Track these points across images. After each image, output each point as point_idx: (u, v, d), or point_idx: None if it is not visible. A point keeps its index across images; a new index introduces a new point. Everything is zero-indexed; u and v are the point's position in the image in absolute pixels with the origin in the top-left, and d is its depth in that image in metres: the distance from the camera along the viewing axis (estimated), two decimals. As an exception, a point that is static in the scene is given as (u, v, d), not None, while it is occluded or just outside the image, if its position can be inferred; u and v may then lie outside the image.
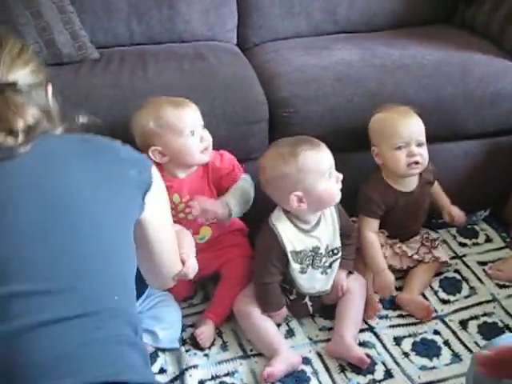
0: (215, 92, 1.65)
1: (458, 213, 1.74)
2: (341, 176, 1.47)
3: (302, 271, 1.52)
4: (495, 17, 1.91)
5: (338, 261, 1.56)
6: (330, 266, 1.55)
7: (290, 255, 1.49)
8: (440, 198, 1.76)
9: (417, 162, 1.59)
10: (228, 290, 1.59)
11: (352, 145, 1.71)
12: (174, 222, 1.54)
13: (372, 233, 1.66)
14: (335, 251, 1.55)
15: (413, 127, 1.59)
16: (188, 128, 1.49)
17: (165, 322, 1.52)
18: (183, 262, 1.17)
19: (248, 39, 2.09)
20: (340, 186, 1.47)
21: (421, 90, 1.72)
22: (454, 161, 1.83)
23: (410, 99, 1.68)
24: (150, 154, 1.49)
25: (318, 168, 1.42)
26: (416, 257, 1.70)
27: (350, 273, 1.61)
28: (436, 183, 1.74)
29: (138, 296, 1.50)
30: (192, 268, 1.19)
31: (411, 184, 1.67)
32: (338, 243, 1.55)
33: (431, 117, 1.68)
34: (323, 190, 1.44)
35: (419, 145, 1.59)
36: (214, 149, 1.58)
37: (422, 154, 1.59)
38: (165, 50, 1.92)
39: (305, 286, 1.55)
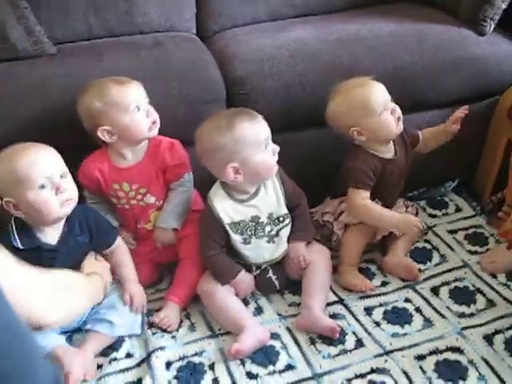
0: (171, 74, 1.65)
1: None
2: (277, 148, 1.45)
3: (245, 242, 1.51)
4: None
5: (287, 228, 1.55)
6: (277, 234, 1.53)
7: (228, 227, 1.48)
8: (433, 132, 1.73)
9: (399, 117, 1.57)
10: (188, 271, 1.57)
11: (308, 120, 1.70)
12: (129, 209, 1.56)
13: (363, 199, 1.60)
14: (281, 219, 1.53)
15: (381, 90, 1.56)
16: (133, 103, 1.48)
17: (121, 309, 1.49)
18: None
19: (207, 27, 2.07)
20: (277, 157, 1.46)
21: (377, 60, 1.72)
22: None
23: (367, 70, 1.67)
24: (99, 134, 1.49)
25: (255, 139, 1.41)
26: None
27: (309, 243, 1.58)
28: (419, 132, 1.72)
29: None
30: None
31: (392, 149, 1.64)
32: (283, 211, 1.53)
33: (390, 87, 1.65)
34: (259, 162, 1.43)
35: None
36: (168, 136, 1.58)
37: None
38: (123, 42, 1.91)
39: (251, 257, 1.53)
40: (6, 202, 1.35)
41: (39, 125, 1.57)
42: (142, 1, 1.98)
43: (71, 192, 1.39)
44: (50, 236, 1.42)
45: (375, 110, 1.54)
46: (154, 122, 1.51)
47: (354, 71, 1.67)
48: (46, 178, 1.33)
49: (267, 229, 1.52)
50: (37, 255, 1.39)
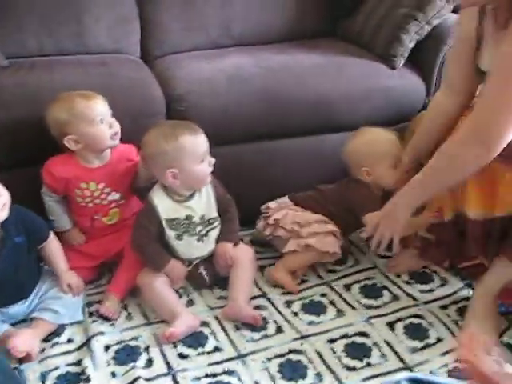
0: (116, 89, 1.81)
1: None
2: (213, 160, 1.65)
3: (178, 237, 1.68)
4: (367, 27, 2.19)
5: (215, 230, 1.72)
6: (206, 234, 1.71)
7: (164, 222, 1.66)
8: None
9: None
10: (129, 267, 1.72)
11: (241, 136, 1.92)
12: (91, 207, 1.72)
13: None
14: (211, 221, 1.71)
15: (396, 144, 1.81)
16: (98, 116, 1.64)
17: (64, 299, 1.62)
18: None
19: (151, 52, 2.27)
20: (211, 169, 1.66)
21: (301, 86, 1.95)
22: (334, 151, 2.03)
23: (292, 95, 1.91)
24: (66, 142, 1.64)
25: (195, 151, 1.60)
26: None
27: (235, 244, 1.76)
28: None
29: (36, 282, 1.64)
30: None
31: None
32: (214, 214, 1.71)
33: (311, 111, 1.93)
34: (195, 171, 1.62)
35: None
36: (121, 142, 1.74)
37: None
38: (72, 60, 2.07)
39: (183, 252, 1.70)
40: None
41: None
42: (92, 25, 2.17)
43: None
44: None
45: (391, 161, 1.79)
46: (115, 133, 1.68)
47: (281, 95, 1.91)
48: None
49: (198, 228, 1.69)
50: None
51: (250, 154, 1.98)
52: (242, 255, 1.74)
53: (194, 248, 1.71)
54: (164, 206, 1.66)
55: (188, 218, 1.67)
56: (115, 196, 1.74)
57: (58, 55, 2.14)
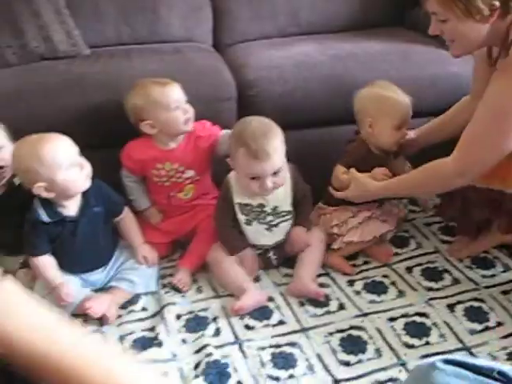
0: (190, 75, 1.92)
1: None
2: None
3: (248, 223, 1.75)
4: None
5: (286, 223, 1.78)
6: (277, 225, 1.77)
7: (236, 206, 1.74)
8: None
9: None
10: (201, 243, 1.83)
11: (307, 121, 1.98)
12: (168, 185, 1.83)
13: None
14: (283, 213, 1.77)
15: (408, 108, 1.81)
16: (173, 103, 1.74)
17: (140, 270, 1.74)
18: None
19: (221, 40, 2.37)
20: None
21: (367, 73, 1.99)
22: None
23: (358, 81, 1.95)
24: (142, 127, 1.75)
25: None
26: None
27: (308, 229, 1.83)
28: None
29: (113, 251, 1.77)
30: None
31: None
32: (287, 207, 1.76)
33: None
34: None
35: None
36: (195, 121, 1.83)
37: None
38: (148, 48, 2.20)
39: (250, 238, 1.78)
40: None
41: (77, 113, 1.84)
42: (166, 14, 2.28)
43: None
44: (71, 209, 1.65)
45: (396, 123, 1.80)
46: (189, 119, 1.76)
47: (347, 81, 1.96)
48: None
49: (269, 218, 1.76)
50: (60, 227, 1.64)
51: (314, 140, 2.03)
52: (313, 238, 1.80)
53: (261, 235, 1.78)
54: (240, 191, 1.73)
55: (260, 206, 1.74)
56: (190, 173, 1.83)
57: (135, 44, 2.27)
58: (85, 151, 1.78)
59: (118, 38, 2.27)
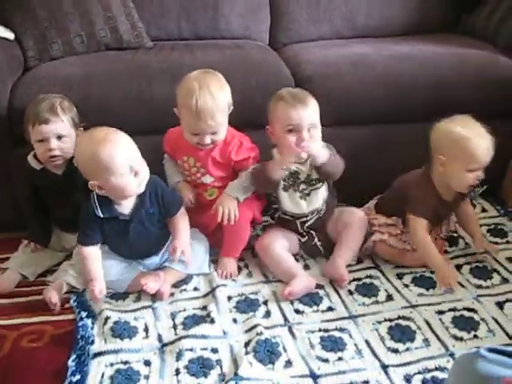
0: (250, 67, 2.00)
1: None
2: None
3: (285, 189, 1.79)
4: (491, 21, 2.23)
5: (318, 192, 1.80)
6: (309, 193, 1.80)
7: None
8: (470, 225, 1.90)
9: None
10: (233, 232, 1.82)
11: (361, 119, 2.03)
12: (190, 182, 1.85)
13: (425, 232, 1.76)
14: (315, 182, 1.79)
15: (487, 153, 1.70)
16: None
17: (194, 252, 1.77)
18: None
19: (278, 40, 2.44)
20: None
21: (422, 73, 2.03)
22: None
23: (413, 81, 1.99)
24: (176, 112, 1.76)
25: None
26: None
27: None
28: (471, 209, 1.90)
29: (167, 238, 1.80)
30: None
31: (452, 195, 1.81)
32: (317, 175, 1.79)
33: (429, 97, 2.01)
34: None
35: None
36: (245, 120, 1.87)
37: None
38: (209, 43, 2.29)
39: (287, 205, 1.80)
40: (91, 184, 1.61)
41: (141, 98, 1.92)
42: (227, 11, 2.37)
43: (145, 174, 1.63)
44: (125, 208, 1.69)
45: (472, 167, 1.70)
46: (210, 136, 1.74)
47: (401, 80, 2.00)
48: (127, 166, 1.57)
49: (302, 186, 1.79)
50: (114, 223, 1.69)
51: (366, 137, 2.06)
52: (353, 218, 1.84)
53: (296, 203, 1.81)
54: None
55: (295, 173, 1.77)
56: (208, 179, 1.83)
57: (195, 39, 2.35)
58: (147, 136, 1.87)
59: (179, 33, 2.35)
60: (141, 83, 1.92)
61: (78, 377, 1.44)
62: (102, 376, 1.45)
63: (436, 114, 2.03)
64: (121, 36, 2.16)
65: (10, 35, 2.08)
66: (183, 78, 1.74)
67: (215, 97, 1.69)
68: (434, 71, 2.03)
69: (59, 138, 1.74)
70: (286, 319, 1.63)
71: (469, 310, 1.65)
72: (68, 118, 1.76)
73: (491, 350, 0.97)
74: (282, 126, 1.70)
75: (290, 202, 1.82)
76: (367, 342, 1.54)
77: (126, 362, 1.49)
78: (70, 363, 1.47)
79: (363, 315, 1.64)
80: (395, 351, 1.51)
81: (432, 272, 1.80)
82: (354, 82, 2.01)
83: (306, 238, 1.87)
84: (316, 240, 1.87)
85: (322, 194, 1.82)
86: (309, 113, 1.70)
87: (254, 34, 2.41)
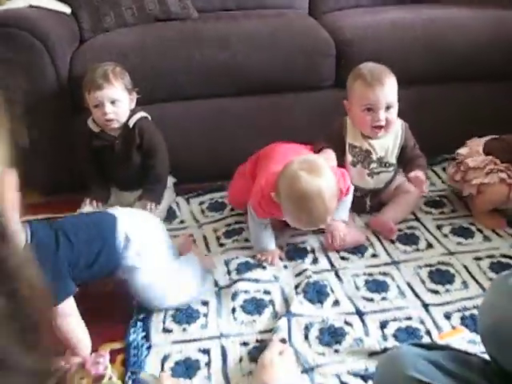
0: (293, 33, 2.10)
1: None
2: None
3: (353, 163, 1.87)
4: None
5: (387, 174, 1.89)
6: (378, 173, 1.88)
7: (347, 145, 1.86)
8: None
9: None
10: None
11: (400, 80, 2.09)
12: None
13: None
14: (387, 165, 1.88)
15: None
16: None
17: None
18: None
19: (317, 8, 2.52)
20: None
21: (459, 35, 2.10)
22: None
23: (450, 43, 2.07)
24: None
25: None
26: None
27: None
28: None
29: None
30: None
31: None
32: (391, 160, 1.87)
33: (466, 59, 2.10)
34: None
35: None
36: (291, 81, 2.00)
37: None
38: (252, 13, 2.38)
39: (353, 178, 1.84)
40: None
41: (192, 64, 2.03)
42: (268, -18, 2.45)
43: None
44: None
45: None
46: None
47: (439, 42, 2.08)
48: None
49: (372, 165, 1.87)
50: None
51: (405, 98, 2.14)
52: (411, 187, 1.89)
53: (362, 179, 1.88)
54: (352, 133, 1.86)
55: (367, 152, 1.85)
56: None
57: (238, 10, 2.46)
58: (196, 100, 1.99)
59: (223, 5, 2.46)
60: (191, 49, 2.04)
61: (143, 314, 1.58)
62: (165, 315, 1.58)
63: (472, 75, 2.12)
64: (168, 8, 2.28)
65: (67, 10, 2.21)
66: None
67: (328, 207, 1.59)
68: (470, 34, 2.10)
69: (113, 102, 1.86)
70: (332, 265, 1.74)
71: (506, 256, 1.74)
72: (120, 83, 1.87)
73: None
74: (359, 105, 1.78)
75: (356, 177, 1.87)
76: (409, 285, 1.65)
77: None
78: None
79: (405, 261, 1.74)
80: (435, 292, 1.61)
81: (471, 223, 1.90)
82: (393, 43, 2.09)
83: (359, 194, 1.90)
84: (368, 199, 1.95)
85: (390, 175, 1.91)
86: (386, 93, 1.75)
87: (295, 4, 2.50)
